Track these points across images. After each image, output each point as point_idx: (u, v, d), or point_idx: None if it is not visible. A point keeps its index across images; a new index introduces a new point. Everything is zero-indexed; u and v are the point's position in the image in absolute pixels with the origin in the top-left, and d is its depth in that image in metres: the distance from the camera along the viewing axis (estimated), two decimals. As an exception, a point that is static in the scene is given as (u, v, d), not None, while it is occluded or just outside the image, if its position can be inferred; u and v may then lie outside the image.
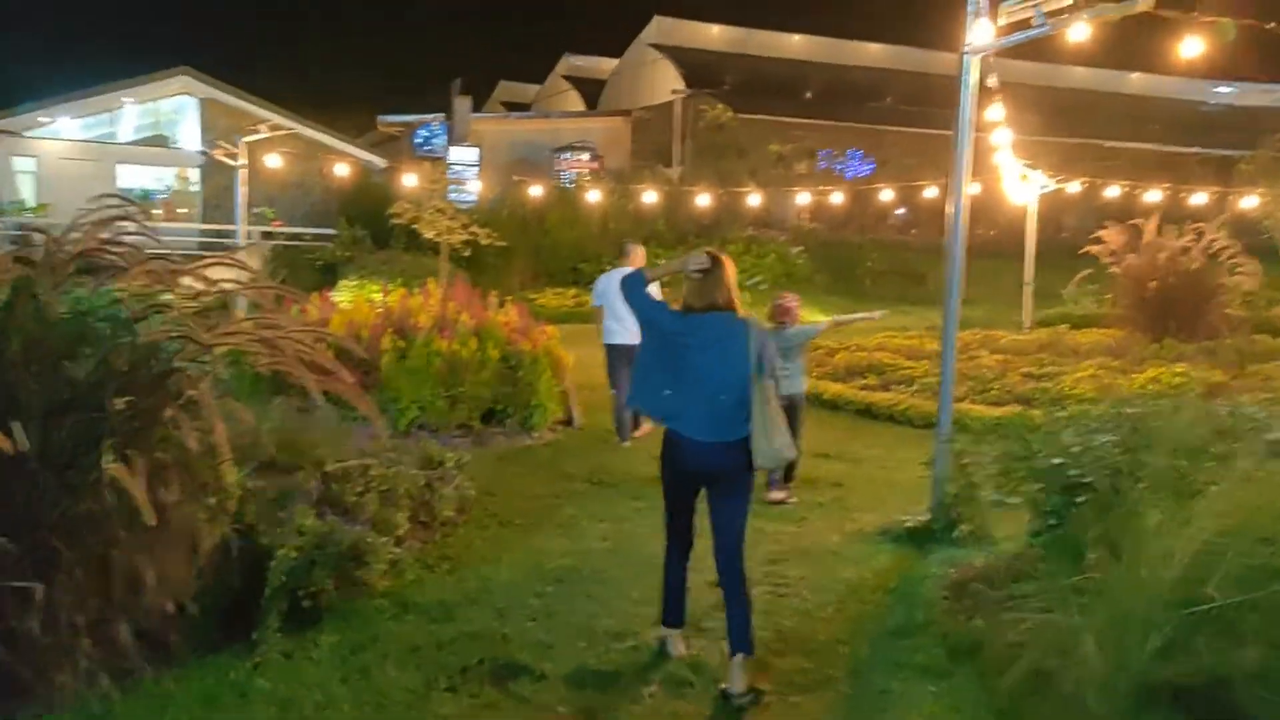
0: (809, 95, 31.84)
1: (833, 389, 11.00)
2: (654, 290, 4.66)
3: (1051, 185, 18.33)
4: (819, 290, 23.15)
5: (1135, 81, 37.90)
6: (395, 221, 21.08)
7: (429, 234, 20.83)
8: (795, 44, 33.75)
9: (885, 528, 6.12)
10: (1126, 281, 12.05)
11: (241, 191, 14.37)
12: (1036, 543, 4.39)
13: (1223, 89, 40.06)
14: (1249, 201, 15.80)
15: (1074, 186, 18.77)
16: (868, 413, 10.32)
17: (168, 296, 3.58)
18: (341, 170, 24.55)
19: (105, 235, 3.60)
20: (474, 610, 4.69)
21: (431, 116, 29.64)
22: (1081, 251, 12.93)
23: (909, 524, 5.93)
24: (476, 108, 31.90)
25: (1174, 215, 13.15)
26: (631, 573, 5.28)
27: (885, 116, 31.82)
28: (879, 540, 5.92)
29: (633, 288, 4.26)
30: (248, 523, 4.27)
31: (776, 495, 6.91)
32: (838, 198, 26.33)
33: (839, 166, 32.73)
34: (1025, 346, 12.84)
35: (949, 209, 6.04)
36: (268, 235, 24.42)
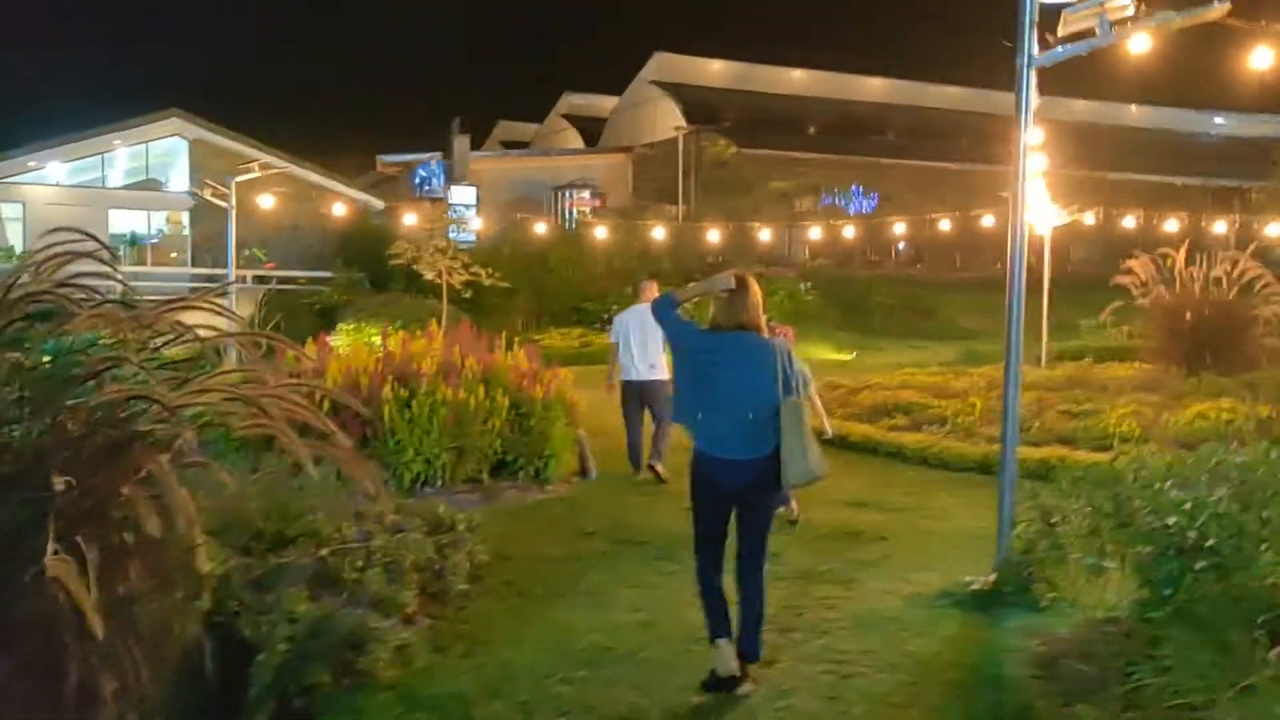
0: (811, 130, 31.60)
1: (859, 430, 10.40)
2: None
3: (1067, 217, 17.88)
4: (830, 326, 22.62)
5: (1135, 114, 37.72)
6: (394, 262, 20.67)
7: (429, 275, 20.38)
8: (796, 79, 33.56)
9: (945, 589, 5.49)
10: (1158, 313, 11.50)
11: (232, 233, 13.85)
12: (1147, 615, 3.77)
13: (1221, 120, 39.92)
14: (1274, 229, 15.27)
15: (1088, 218, 18.29)
16: (899, 455, 9.72)
17: (131, 348, 3.00)
18: (338, 211, 24.14)
19: (59, 277, 3.03)
20: (495, 704, 4.06)
21: (430, 156, 29.33)
22: (1112, 283, 12.41)
23: (974, 586, 5.31)
24: (475, 147, 31.60)
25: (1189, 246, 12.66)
26: (671, 651, 4.66)
27: (887, 150, 31.57)
28: (941, 604, 5.29)
29: (664, 309, 4.38)
30: (229, 611, 3.65)
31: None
32: (848, 232, 25.94)
33: (842, 202, 32.40)
34: (1053, 382, 12.25)
35: (1011, 233, 5.47)
36: (261, 279, 23.90)
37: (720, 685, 4.14)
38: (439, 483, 7.92)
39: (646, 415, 8.89)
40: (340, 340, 18.24)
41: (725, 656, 4.17)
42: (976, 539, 6.73)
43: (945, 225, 23.53)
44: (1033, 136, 10.15)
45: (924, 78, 34.88)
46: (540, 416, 8.38)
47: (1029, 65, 5.32)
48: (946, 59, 58.56)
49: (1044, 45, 5.32)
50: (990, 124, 34.04)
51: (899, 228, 24.87)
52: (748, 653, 4.22)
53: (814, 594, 5.55)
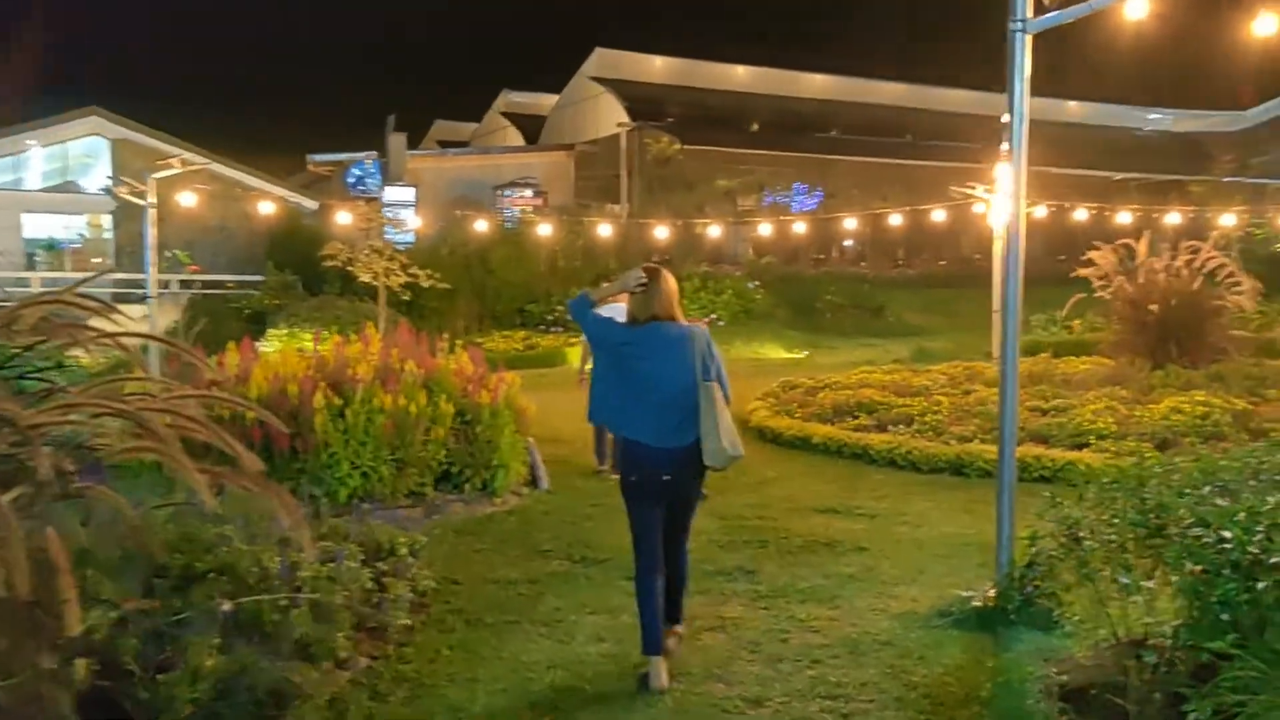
0: (755, 127, 31.27)
1: (822, 431, 9.94)
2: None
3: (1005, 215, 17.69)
4: (779, 325, 22.27)
5: (1072, 109, 38.08)
6: (328, 264, 19.77)
7: (365, 276, 19.53)
8: (739, 75, 33.21)
9: (941, 607, 5.01)
10: (1122, 305, 11.23)
11: (151, 234, 12.97)
12: (1199, 642, 3.30)
13: (1155, 115, 40.54)
14: (1228, 219, 15.19)
15: (1039, 211, 18.15)
16: (865, 456, 9.26)
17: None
18: (268, 211, 23.14)
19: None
20: (445, 766, 3.46)
21: (364, 155, 28.36)
22: (1073, 275, 12.14)
23: (975, 602, 4.82)
24: (412, 147, 30.70)
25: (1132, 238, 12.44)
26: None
27: (831, 147, 31.36)
28: (939, 624, 4.80)
29: (580, 308, 4.47)
30: (121, 672, 3.01)
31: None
32: (796, 229, 25.64)
33: (785, 199, 32.14)
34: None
35: (1009, 220, 5.00)
36: (186, 283, 22.83)
37: (649, 685, 4.15)
38: (378, 498, 7.26)
39: None
40: (271, 346, 17.41)
41: (659, 673, 4.16)
42: (961, 547, 6.29)
43: (896, 220, 23.30)
44: (1019, 117, 9.87)
45: (867, 74, 34.80)
46: (487, 424, 7.77)
47: (1023, 30, 4.85)
48: (890, 56, 58.89)
49: (1039, 10, 4.87)
50: (934, 121, 34.27)
51: (849, 223, 24.59)
52: (672, 616, 4.48)
53: (797, 615, 5.02)
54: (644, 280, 4.33)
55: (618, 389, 4.34)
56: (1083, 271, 11.78)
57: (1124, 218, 18.50)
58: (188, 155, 17.20)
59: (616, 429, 4.55)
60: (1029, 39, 4.88)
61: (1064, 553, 3.71)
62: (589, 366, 9.28)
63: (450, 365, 8.24)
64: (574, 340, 20.42)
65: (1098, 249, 11.61)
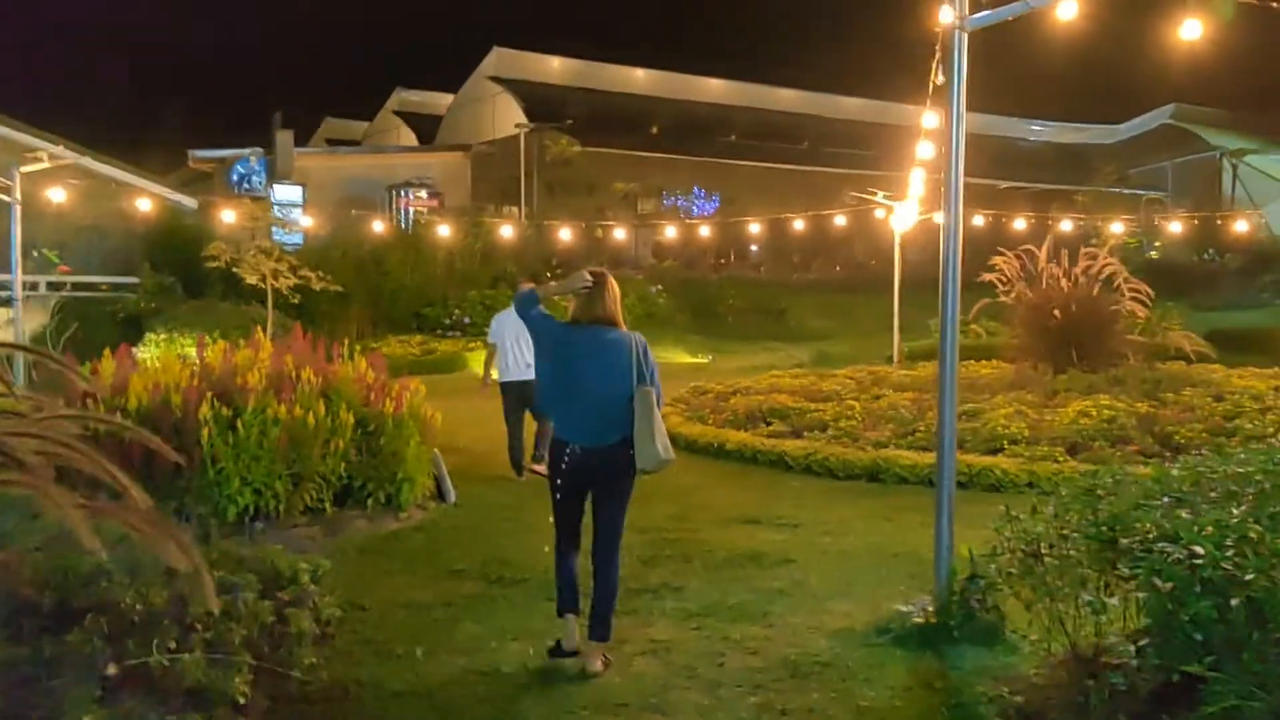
0: (654, 130, 31.18)
1: (737, 438, 9.77)
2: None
3: (917, 217, 17.98)
4: (681, 329, 22.17)
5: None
6: (211, 265, 18.80)
7: (251, 278, 18.62)
8: (639, 78, 33.11)
9: (878, 623, 4.83)
10: (1025, 311, 11.41)
11: (17, 232, 12.01)
12: (1170, 663, 3.16)
13: (1038, 126, 42.09)
14: (1117, 227, 15.67)
15: (937, 218, 18.45)
16: (780, 464, 9.12)
17: None
18: (146, 210, 21.93)
19: None
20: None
21: (249, 151, 27.18)
22: (980, 280, 12.29)
23: (915, 618, 4.65)
24: (300, 145, 29.58)
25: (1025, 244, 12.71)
26: (580, 728, 3.79)
27: (730, 151, 31.51)
28: (880, 643, 4.61)
29: (527, 305, 4.68)
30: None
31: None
32: (699, 233, 25.61)
33: (683, 203, 32.17)
34: (921, 382, 12.01)
35: (944, 222, 4.86)
36: (55, 285, 21.44)
37: (561, 654, 4.40)
38: (273, 515, 6.75)
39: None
40: (149, 352, 16.43)
41: (571, 631, 4.45)
42: (889, 558, 6.16)
43: (799, 225, 23.51)
44: (931, 119, 9.92)
45: (765, 80, 35.17)
46: (391, 435, 7.32)
47: (962, 29, 4.72)
48: (788, 61, 59.77)
49: (975, 7, 4.75)
50: (830, 128, 34.81)
51: (753, 228, 24.67)
52: (599, 635, 4.42)
53: (730, 635, 4.78)
54: (590, 283, 4.55)
55: (556, 385, 4.55)
56: (988, 276, 11.94)
57: (1018, 224, 18.98)
58: (56, 150, 16.08)
59: (557, 426, 4.64)
60: (965, 37, 4.75)
61: (1022, 569, 3.54)
62: (495, 374, 9.12)
63: (350, 372, 7.76)
64: (473, 345, 19.91)
65: (1003, 255, 11.78)
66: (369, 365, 8.07)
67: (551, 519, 4.65)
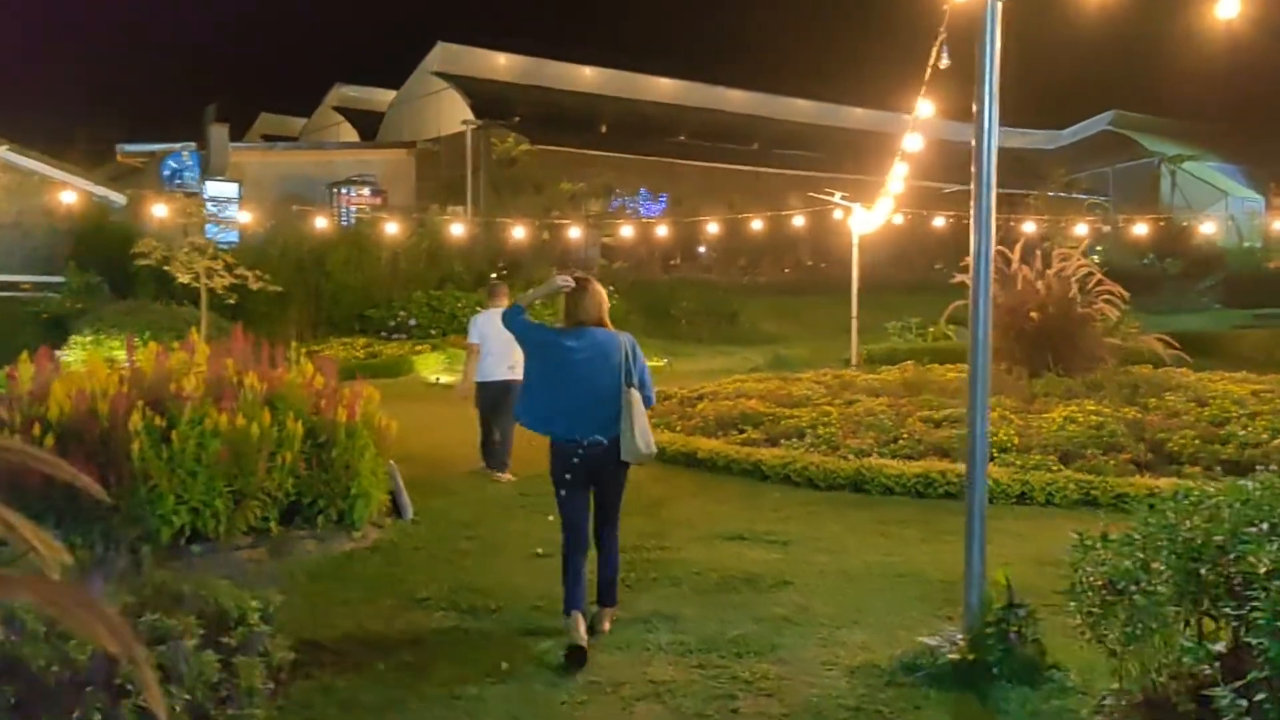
0: (603, 129, 30.66)
1: (708, 446, 9.27)
2: None
3: (878, 219, 17.72)
4: (635, 332, 21.37)
5: (905, 122, 39.26)
6: (141, 263, 17.82)
7: (184, 277, 17.68)
8: (587, 76, 32.53)
9: (903, 658, 4.34)
10: (999, 313, 11.05)
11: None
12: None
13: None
14: (1081, 229, 15.50)
15: (897, 219, 18.21)
16: (756, 473, 8.64)
17: None
18: (71, 204, 20.83)
19: None
20: None
21: (180, 146, 26.03)
22: (954, 281, 11.95)
23: (948, 654, 4.18)
24: (235, 141, 28.45)
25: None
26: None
27: (680, 151, 31.12)
28: (910, 682, 4.13)
29: (514, 317, 4.85)
30: None
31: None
32: (648, 233, 25.14)
33: (630, 204, 31.66)
34: (891, 387, 11.65)
35: (976, 225, 4.39)
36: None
37: (575, 657, 4.35)
38: (212, 537, 6.08)
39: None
40: (74, 355, 15.47)
41: (578, 627, 4.51)
42: (893, 579, 5.70)
43: (756, 226, 23.16)
44: (926, 108, 9.53)
45: (715, 80, 34.82)
46: (343, 446, 6.68)
47: (996, -2, 4.27)
48: (739, 62, 59.56)
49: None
50: (780, 129, 34.62)
51: (710, 228, 24.23)
52: (609, 600, 4.85)
53: (739, 674, 4.26)
54: (570, 285, 4.75)
55: (547, 390, 4.67)
56: (960, 278, 11.59)
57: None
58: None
59: (544, 431, 4.75)
60: (1000, 7, 4.30)
61: (1106, 607, 3.08)
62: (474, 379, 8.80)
63: (298, 377, 7.10)
64: (421, 348, 19.19)
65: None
66: (317, 370, 7.42)
67: (552, 517, 4.90)
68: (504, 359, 8.62)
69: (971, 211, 4.36)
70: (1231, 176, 37.95)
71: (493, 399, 8.84)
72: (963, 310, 12.37)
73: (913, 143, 7.75)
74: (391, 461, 7.56)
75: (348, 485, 6.65)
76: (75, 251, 21.11)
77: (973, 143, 4.41)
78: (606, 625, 4.72)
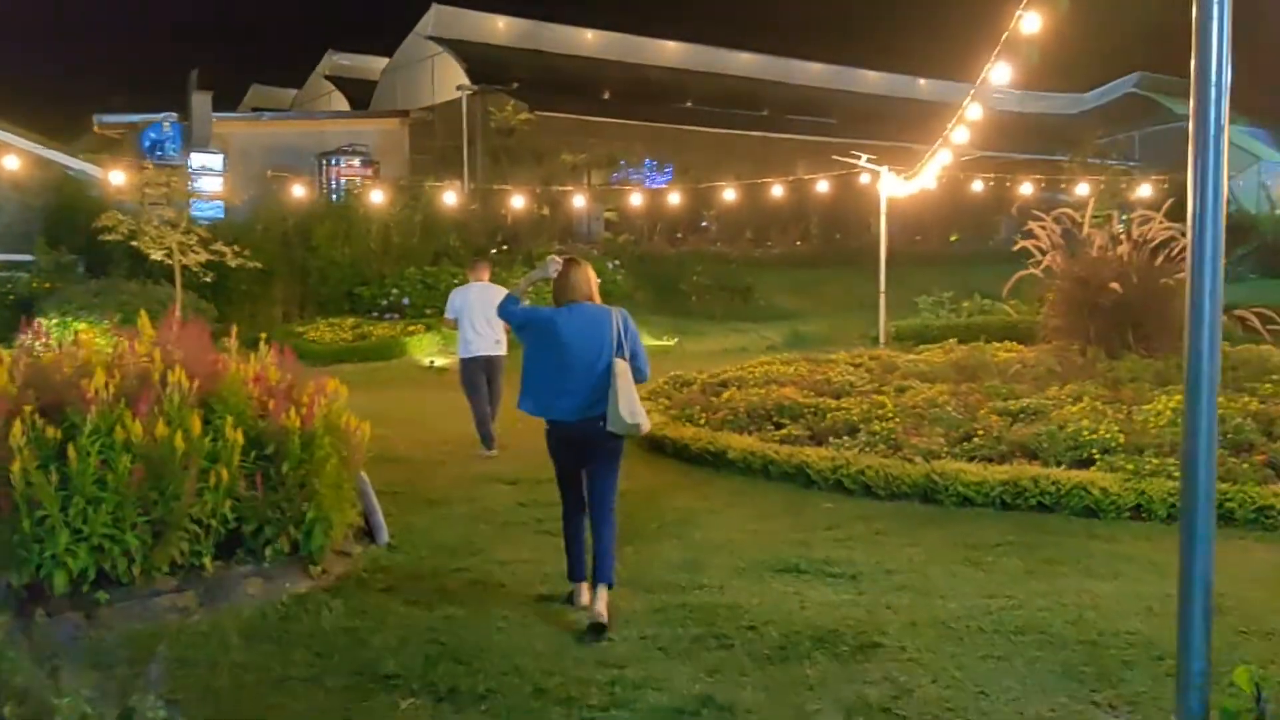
0: (606, 95, 29.10)
1: (741, 444, 7.88)
2: None
3: (914, 187, 16.28)
4: (643, 309, 20.16)
5: (923, 88, 37.71)
6: (107, 238, 16.40)
7: (155, 253, 16.28)
8: (589, 40, 30.90)
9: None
10: (1069, 285, 9.65)
11: None
12: None
13: (1000, 95, 40.71)
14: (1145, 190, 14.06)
15: (925, 185, 16.72)
16: (800, 477, 7.26)
17: None
18: (37, 179, 19.42)
19: None
20: None
21: (162, 116, 24.52)
22: (1016, 248, 10.54)
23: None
24: (223, 113, 26.90)
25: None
26: None
27: (686, 118, 29.57)
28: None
29: (508, 308, 4.97)
30: None
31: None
32: (655, 202, 23.69)
33: (638, 175, 30.13)
34: (940, 370, 10.23)
35: (1197, 194, 2.90)
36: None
37: (595, 630, 4.39)
38: (124, 580, 4.72)
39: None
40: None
41: (582, 593, 4.74)
42: (1013, 635, 4.32)
43: (776, 192, 21.73)
44: (1001, 72, 8.11)
45: (723, 43, 33.23)
46: (297, 458, 5.32)
47: None
48: (747, 24, 57.38)
49: None
50: (790, 94, 33.03)
51: (727, 194, 22.72)
52: (604, 579, 4.66)
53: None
54: (560, 267, 4.89)
55: (543, 373, 4.75)
56: (1025, 243, 10.19)
57: (1024, 190, 17.40)
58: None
59: (542, 414, 4.82)
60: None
61: None
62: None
63: (243, 372, 5.72)
64: (414, 328, 17.81)
65: (1040, 220, 10.01)
66: (273, 359, 6.05)
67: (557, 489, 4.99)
68: (488, 333, 8.66)
69: (1192, 165, 2.89)
70: (1263, 140, 36.35)
71: (474, 374, 8.76)
72: (1028, 282, 11.05)
73: (974, 112, 6.58)
74: (362, 474, 6.19)
75: (302, 508, 5.29)
76: (47, 228, 19.72)
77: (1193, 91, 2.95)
78: (601, 607, 4.52)
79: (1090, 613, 4.56)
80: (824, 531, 6.10)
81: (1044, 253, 9.96)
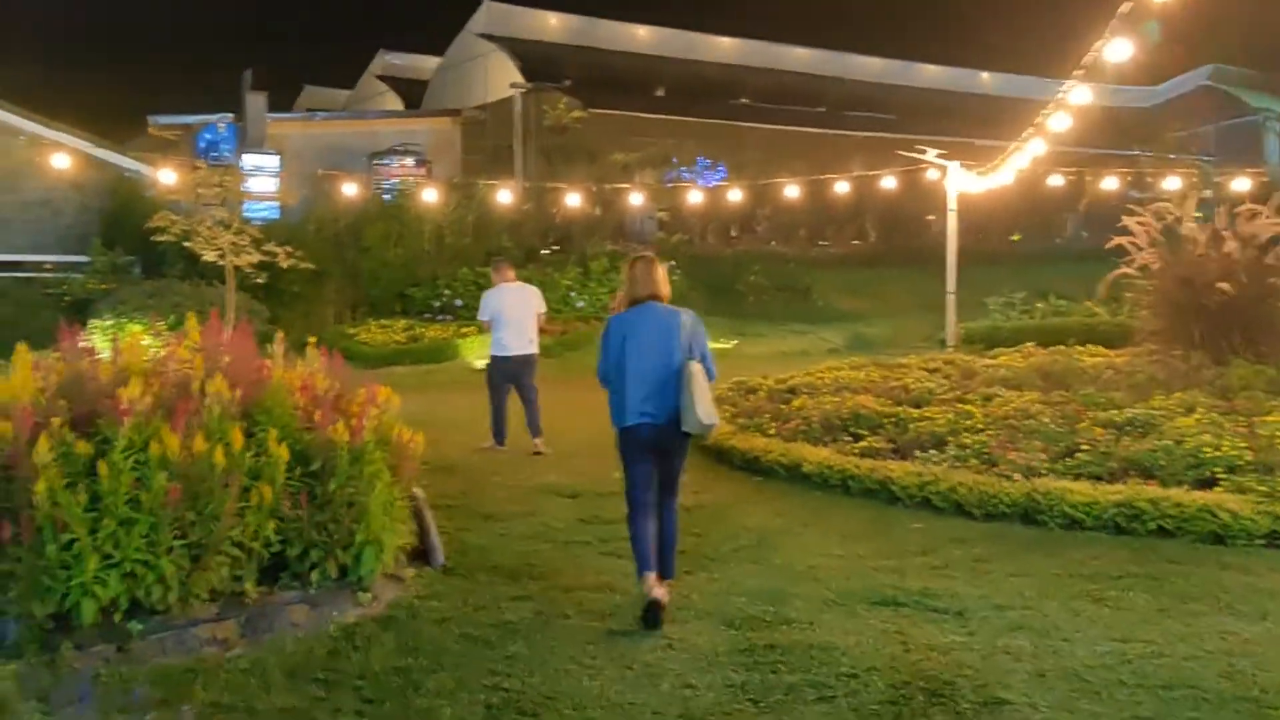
0: (660, 92, 28.60)
1: (816, 456, 7.34)
2: None
3: (983, 182, 15.61)
4: (699, 310, 19.43)
5: (985, 81, 36.67)
6: (160, 239, 16.28)
7: (208, 254, 16.12)
8: (643, 37, 30.39)
9: None
10: (1170, 285, 8.94)
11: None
12: None
13: (1061, 90, 39.46)
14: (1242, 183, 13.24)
15: (997, 180, 16.00)
16: (883, 493, 6.71)
17: None
18: (94, 180, 19.44)
19: None
20: None
21: (217, 117, 24.51)
22: (1109, 246, 9.84)
23: None
24: (275, 112, 26.85)
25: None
26: None
27: (741, 115, 28.97)
28: None
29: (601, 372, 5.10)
30: None
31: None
32: (711, 201, 23.16)
33: (691, 175, 29.57)
34: (1024, 376, 9.56)
35: None
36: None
37: (652, 612, 4.52)
38: (159, 609, 4.33)
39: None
40: (93, 341, 14.02)
41: (651, 584, 4.65)
42: (1159, 691, 3.74)
43: (842, 188, 21.08)
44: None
45: (779, 38, 32.49)
46: (346, 474, 4.90)
47: None
48: (803, 19, 56.39)
49: None
50: (850, 89, 32.28)
51: (790, 191, 22.09)
52: (665, 572, 4.83)
53: None
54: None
55: (620, 368, 4.87)
56: (1118, 240, 9.50)
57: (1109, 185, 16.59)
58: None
59: (633, 422, 4.83)
60: None
61: None
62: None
63: (288, 380, 5.32)
64: (466, 330, 17.46)
65: (1137, 214, 9.31)
66: (321, 366, 5.65)
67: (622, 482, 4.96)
68: (520, 333, 8.79)
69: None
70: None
71: (510, 373, 8.83)
72: (1122, 282, 10.36)
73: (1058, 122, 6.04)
74: (417, 489, 5.77)
75: (351, 529, 4.87)
76: (104, 229, 19.74)
77: None
78: (661, 591, 4.63)
79: (1242, 661, 3.97)
80: (917, 557, 5.54)
81: (1140, 250, 9.25)
